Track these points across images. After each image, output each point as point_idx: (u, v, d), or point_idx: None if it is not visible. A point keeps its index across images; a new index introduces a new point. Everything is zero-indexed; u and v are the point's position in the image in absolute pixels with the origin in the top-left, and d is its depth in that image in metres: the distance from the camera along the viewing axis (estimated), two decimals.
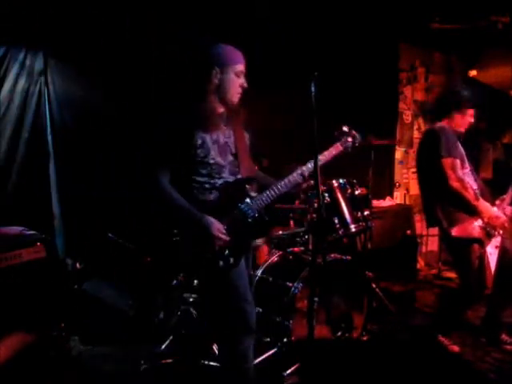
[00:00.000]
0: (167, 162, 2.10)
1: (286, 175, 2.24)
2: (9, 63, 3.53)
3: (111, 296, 3.41)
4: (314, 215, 3.14)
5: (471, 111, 3.12)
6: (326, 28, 4.39)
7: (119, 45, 3.74)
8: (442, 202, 3.01)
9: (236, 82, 2.15)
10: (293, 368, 2.79)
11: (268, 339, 2.94)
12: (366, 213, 3.23)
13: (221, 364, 2.32)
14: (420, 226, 5.73)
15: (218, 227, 2.04)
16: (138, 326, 3.31)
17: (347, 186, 3.21)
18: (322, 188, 3.05)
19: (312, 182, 2.27)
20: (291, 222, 3.91)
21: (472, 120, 3.14)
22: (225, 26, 3.84)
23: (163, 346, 3.07)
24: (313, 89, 2.03)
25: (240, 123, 2.26)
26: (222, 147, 2.18)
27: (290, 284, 2.94)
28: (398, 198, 5.80)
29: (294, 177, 2.23)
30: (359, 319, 3.13)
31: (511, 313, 3.36)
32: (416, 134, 5.98)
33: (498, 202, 3.06)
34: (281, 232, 3.59)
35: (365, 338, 3.14)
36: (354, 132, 2.44)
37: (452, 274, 4.88)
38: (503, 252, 3.02)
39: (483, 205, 2.93)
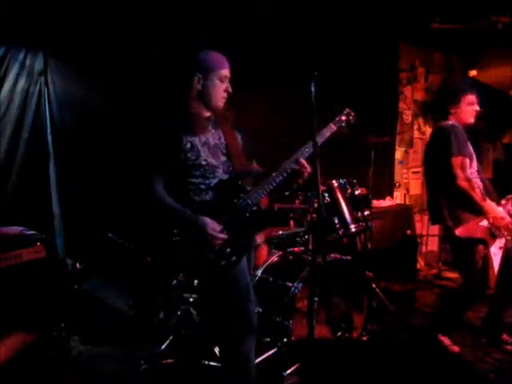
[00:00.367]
0: (159, 168, 2.12)
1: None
2: (9, 63, 3.53)
3: (111, 296, 3.41)
4: (314, 215, 3.14)
5: (469, 98, 3.05)
6: (326, 28, 4.38)
7: (119, 45, 3.74)
8: (448, 200, 2.97)
9: (220, 87, 2.16)
10: (293, 368, 2.79)
11: (268, 339, 2.94)
12: (366, 213, 3.24)
13: (222, 365, 2.32)
14: (420, 225, 5.73)
15: (212, 227, 2.05)
16: (138, 326, 3.31)
17: (347, 186, 3.21)
18: (322, 188, 3.05)
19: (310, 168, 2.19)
20: (291, 222, 3.91)
21: (475, 106, 3.06)
22: (225, 26, 3.85)
23: (163, 346, 3.07)
24: (313, 89, 2.03)
25: (229, 125, 2.28)
26: (213, 149, 2.19)
27: (290, 284, 2.94)
28: (398, 198, 5.79)
29: (288, 164, 2.18)
30: (359, 319, 3.13)
31: None
32: (416, 134, 5.98)
33: (503, 202, 3.03)
34: (281, 232, 3.59)
35: (365, 338, 3.14)
36: (347, 109, 2.40)
37: (452, 274, 4.89)
38: (507, 253, 3.01)
39: (489, 205, 2.90)
